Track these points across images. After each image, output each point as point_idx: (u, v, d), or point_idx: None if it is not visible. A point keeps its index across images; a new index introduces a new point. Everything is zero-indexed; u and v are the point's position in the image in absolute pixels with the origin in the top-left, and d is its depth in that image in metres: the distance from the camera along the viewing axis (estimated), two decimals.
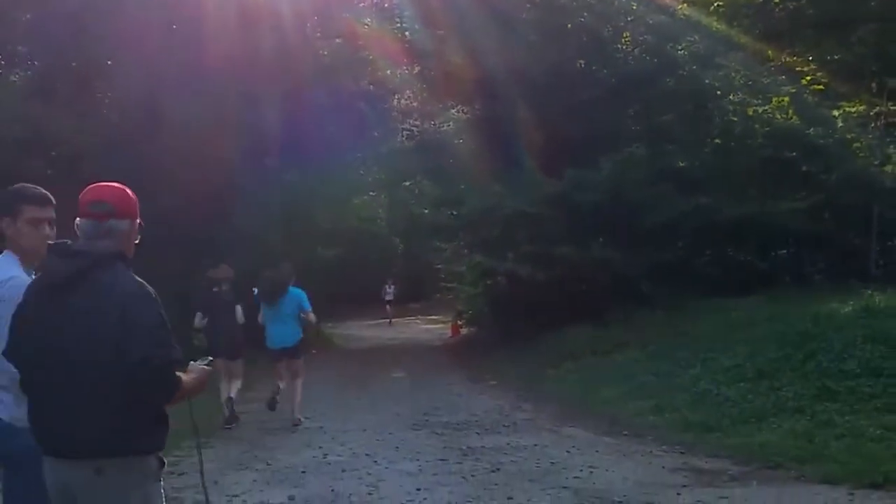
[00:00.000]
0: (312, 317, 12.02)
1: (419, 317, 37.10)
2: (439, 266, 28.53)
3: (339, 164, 25.29)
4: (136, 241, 3.63)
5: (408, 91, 27.22)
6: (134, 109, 18.51)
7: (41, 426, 3.43)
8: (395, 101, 28.14)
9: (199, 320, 11.94)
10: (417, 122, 27.70)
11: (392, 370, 18.00)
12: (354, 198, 30.25)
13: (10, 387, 3.79)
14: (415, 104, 27.37)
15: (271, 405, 11.96)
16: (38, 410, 3.43)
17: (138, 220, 3.61)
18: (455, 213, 22.18)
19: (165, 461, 3.54)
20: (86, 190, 3.55)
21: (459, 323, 25.55)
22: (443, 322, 30.17)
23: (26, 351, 3.44)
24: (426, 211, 32.67)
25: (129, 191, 3.59)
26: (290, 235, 22.37)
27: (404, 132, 28.75)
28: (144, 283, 3.39)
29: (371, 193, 34.03)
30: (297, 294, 11.96)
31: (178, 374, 3.37)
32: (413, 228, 43.95)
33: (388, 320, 34.94)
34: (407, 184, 37.29)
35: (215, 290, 12.12)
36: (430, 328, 30.17)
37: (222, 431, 11.23)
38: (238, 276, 14.38)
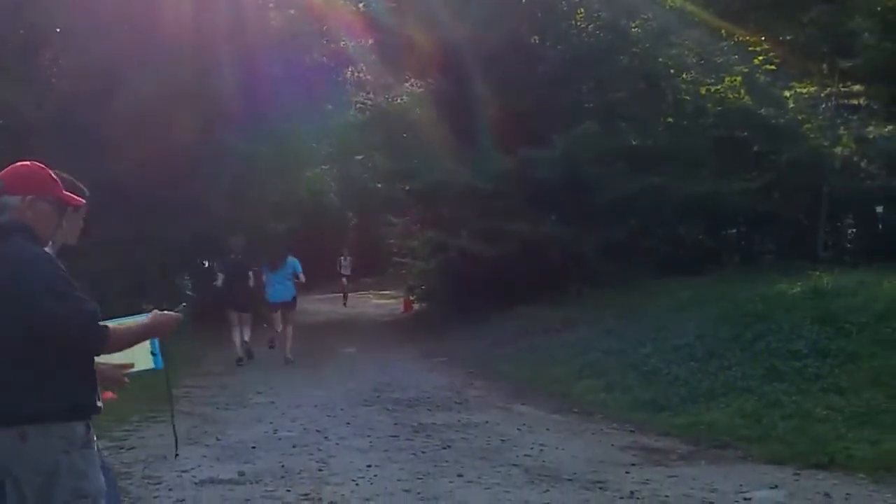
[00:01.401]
0: (303, 278, 16.00)
1: (371, 291, 36.87)
2: (392, 241, 28.36)
3: (292, 135, 25.05)
4: (80, 224, 3.89)
5: (362, 63, 26.97)
6: (84, 78, 18.12)
7: None
8: (349, 73, 27.89)
9: (219, 280, 15.84)
10: (371, 95, 27.48)
11: (343, 345, 17.93)
12: (306, 170, 29.98)
13: None
14: (369, 77, 27.13)
15: (271, 344, 16.26)
16: None
17: (46, 196, 3.67)
18: (408, 187, 22.07)
19: (91, 428, 3.55)
20: None
21: (411, 298, 25.48)
22: (395, 297, 30.09)
23: None
24: (378, 185, 32.57)
25: (34, 167, 3.72)
26: (241, 205, 22.14)
27: (358, 105, 28.54)
28: (45, 251, 3.54)
29: (323, 167, 33.79)
30: (293, 262, 15.99)
31: (102, 323, 3.46)
32: (365, 202, 43.85)
33: (342, 295, 31.03)
34: (359, 157, 37.11)
35: (231, 256, 16.00)
36: (382, 303, 30.06)
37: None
38: (188, 242, 15.59)
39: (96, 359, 3.65)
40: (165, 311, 3.83)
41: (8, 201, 3.61)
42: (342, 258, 33.07)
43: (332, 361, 15.70)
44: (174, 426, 4.40)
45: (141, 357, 4.28)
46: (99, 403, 3.63)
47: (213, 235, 20.82)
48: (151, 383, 11.49)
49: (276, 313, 16.18)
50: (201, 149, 19.30)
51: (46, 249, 3.63)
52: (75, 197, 3.82)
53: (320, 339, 19.43)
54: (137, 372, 4.27)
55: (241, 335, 15.53)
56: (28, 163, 3.76)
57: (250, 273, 15.80)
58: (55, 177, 3.74)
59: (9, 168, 3.71)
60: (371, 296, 34.74)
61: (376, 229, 41.46)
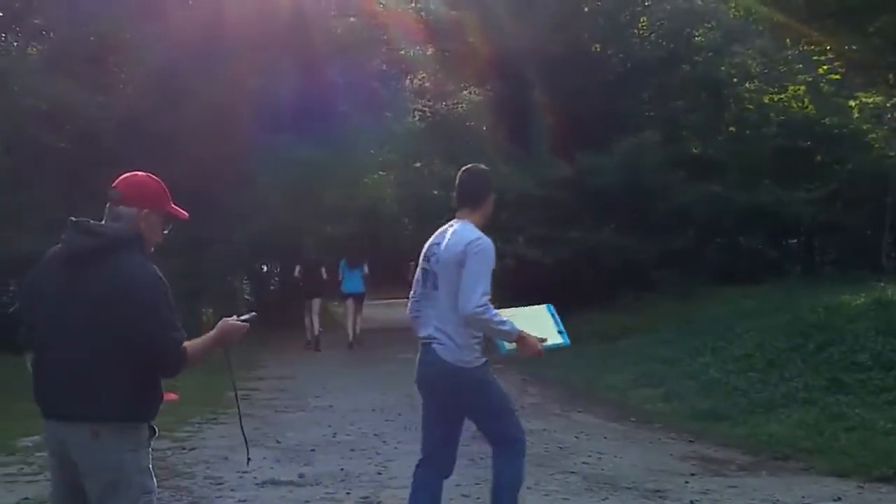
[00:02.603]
0: (366, 269, 19.67)
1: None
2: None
3: (351, 142, 25.27)
4: (165, 231, 3.90)
5: (422, 71, 27.12)
6: (150, 83, 18.50)
7: (43, 388, 3.64)
8: (409, 80, 28.06)
9: (297, 271, 19.62)
10: (431, 103, 27.61)
11: (400, 351, 17.96)
12: (365, 177, 30.18)
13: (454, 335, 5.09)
14: (429, 84, 27.27)
15: (349, 343, 19.01)
16: (41, 373, 3.64)
17: (158, 210, 3.81)
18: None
19: (157, 430, 3.72)
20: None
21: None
22: None
23: (38, 315, 3.65)
24: (435, 192, 32.57)
25: (148, 181, 3.83)
26: (299, 210, 22.41)
27: (417, 112, 28.68)
28: (157, 270, 3.63)
29: (381, 173, 33.96)
30: (364, 266, 19.77)
31: (182, 348, 3.56)
32: (422, 209, 43.94)
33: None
34: (418, 164, 37.21)
35: (308, 255, 19.89)
36: None
37: (232, 410, 11.21)
38: (247, 246, 16.52)
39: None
40: (233, 320, 3.88)
41: (123, 212, 3.71)
42: (412, 264, 30.09)
43: (390, 367, 15.73)
44: (243, 431, 4.45)
45: (551, 333, 5.30)
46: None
47: (272, 239, 21.09)
48: (211, 386, 11.78)
49: (347, 301, 19.52)
50: (262, 154, 19.56)
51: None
52: (180, 210, 3.94)
53: (377, 346, 19.52)
54: (549, 346, 5.23)
55: (314, 322, 18.86)
56: (143, 174, 3.85)
57: (323, 268, 19.28)
58: (166, 190, 3.86)
59: (125, 178, 3.79)
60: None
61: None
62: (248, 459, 6.45)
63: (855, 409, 9.29)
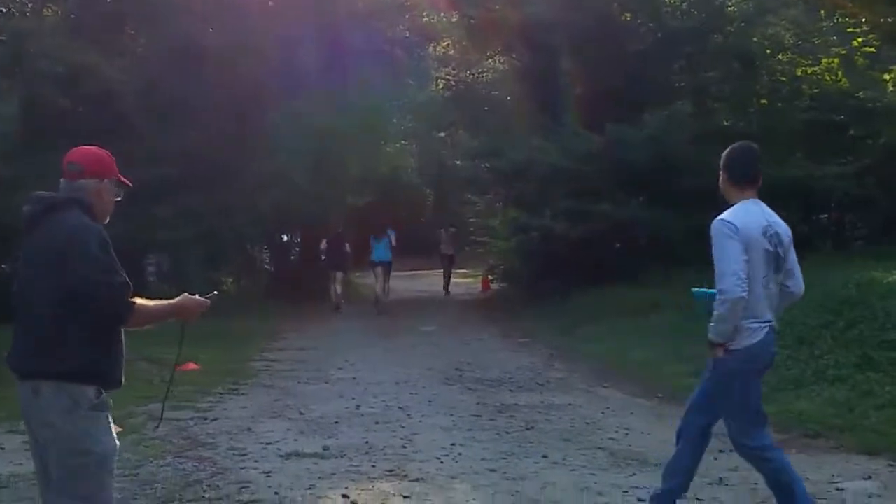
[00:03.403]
0: (394, 241, 20.79)
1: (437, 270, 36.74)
2: (471, 219, 28.21)
3: (373, 110, 25.11)
4: (117, 198, 4.10)
5: (446, 39, 26.86)
6: (167, 49, 18.37)
7: (11, 349, 3.87)
8: (433, 48, 27.81)
9: (322, 244, 21.24)
10: (455, 71, 27.36)
11: (422, 323, 17.93)
12: (386, 145, 30.04)
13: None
14: (453, 52, 27.01)
15: (376, 303, 20.43)
16: (14, 335, 3.88)
17: (114, 178, 4.06)
18: (490, 165, 21.93)
19: (104, 395, 3.80)
20: (69, 151, 4.05)
21: (490, 278, 25.35)
22: (472, 276, 29.97)
23: (17, 285, 3.91)
24: (458, 162, 32.33)
25: (102, 153, 4.08)
26: (320, 178, 22.32)
27: (440, 81, 28.45)
28: (98, 227, 3.86)
29: (403, 142, 33.79)
30: (390, 233, 21.01)
31: (132, 299, 3.76)
32: (444, 179, 43.79)
33: (444, 278, 26.42)
34: (440, 134, 37.01)
35: (335, 229, 21.56)
36: (458, 282, 29.94)
37: (253, 381, 11.21)
38: (268, 214, 16.66)
39: None
40: (196, 296, 4.07)
41: (84, 184, 3.95)
42: (443, 231, 27.86)
43: (412, 339, 15.71)
44: (164, 404, 4.97)
45: None
46: (120, 377, 3.92)
47: (292, 209, 21.02)
48: (232, 357, 11.73)
49: (376, 269, 20.62)
50: (283, 122, 19.46)
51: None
52: (126, 179, 4.14)
53: (398, 318, 19.49)
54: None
55: (336, 290, 20.49)
56: (95, 147, 4.13)
57: (347, 243, 21.01)
58: (114, 160, 4.10)
59: (81, 152, 4.06)
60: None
61: (454, 207, 41.45)
62: (157, 426, 6.56)
63: (885, 386, 9.07)
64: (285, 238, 26.88)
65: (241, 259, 23.17)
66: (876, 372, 9.49)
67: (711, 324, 5.20)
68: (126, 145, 14.44)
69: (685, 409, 5.69)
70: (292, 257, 27.11)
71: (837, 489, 6.41)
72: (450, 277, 26.36)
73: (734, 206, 5.31)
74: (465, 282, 29.14)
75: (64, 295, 3.67)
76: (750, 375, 5.34)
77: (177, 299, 4.04)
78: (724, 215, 5.22)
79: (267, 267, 26.17)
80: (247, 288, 22.69)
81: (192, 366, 10.87)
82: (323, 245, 21.21)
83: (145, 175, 12.24)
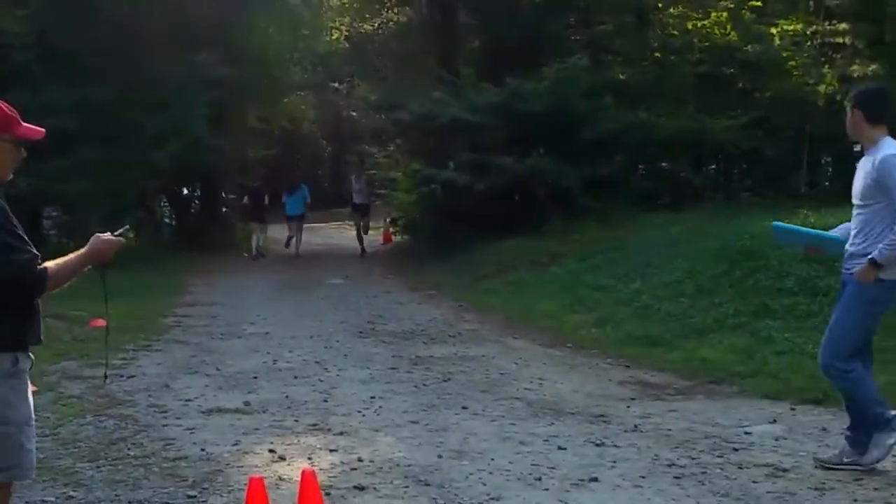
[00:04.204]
0: (308, 199, 23.03)
1: (347, 223, 36.65)
2: (370, 171, 28.17)
3: (270, 61, 24.80)
4: (22, 155, 3.80)
5: None
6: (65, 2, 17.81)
7: None
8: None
9: (245, 199, 23.70)
10: (352, 22, 27.13)
11: (328, 276, 17.92)
12: (284, 98, 29.73)
13: None
14: (350, 3, 26.75)
15: (287, 244, 22.74)
16: None
17: (3, 135, 3.69)
18: (391, 118, 21.91)
19: (21, 361, 3.69)
20: None
21: (392, 230, 25.40)
22: (372, 228, 29.97)
23: None
24: (354, 114, 32.15)
25: None
26: (218, 131, 22.05)
27: (336, 32, 28.19)
28: None
29: (299, 93, 33.46)
30: (304, 188, 23.27)
31: (31, 267, 3.58)
32: (341, 131, 43.50)
33: (357, 231, 23.43)
34: (337, 85, 36.72)
35: (254, 184, 24.06)
36: None
37: (166, 337, 11.10)
38: (168, 168, 16.38)
39: None
40: (107, 235, 3.87)
41: None
42: (354, 179, 24.67)
43: (321, 293, 15.70)
44: (107, 358, 4.62)
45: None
46: (41, 336, 3.81)
47: (191, 161, 20.72)
48: (141, 313, 11.58)
49: (291, 223, 22.47)
50: (180, 73, 19.09)
51: None
52: (33, 129, 3.79)
53: (304, 271, 19.43)
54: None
55: (258, 241, 22.08)
56: None
57: (265, 196, 22.99)
58: (11, 112, 3.72)
59: None
60: (347, 227, 34.57)
61: (351, 159, 41.23)
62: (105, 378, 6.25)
63: (783, 333, 9.58)
64: (185, 191, 26.47)
65: (142, 213, 22.73)
66: (773, 319, 10.01)
67: (884, 246, 5.43)
68: (21, 97, 13.98)
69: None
70: (193, 210, 26.72)
71: (746, 433, 6.73)
72: (366, 231, 23.65)
73: (888, 141, 5.60)
74: (367, 235, 29.10)
75: None
76: (885, 306, 5.71)
77: (89, 244, 3.85)
78: (893, 150, 5.51)
79: (167, 220, 25.75)
80: (149, 242, 22.29)
81: (101, 322, 10.72)
82: (245, 199, 23.52)
83: (41, 127, 11.91)
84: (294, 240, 22.48)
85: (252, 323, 11.99)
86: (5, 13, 16.11)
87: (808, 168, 20.17)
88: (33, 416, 3.83)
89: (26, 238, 3.64)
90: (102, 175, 17.82)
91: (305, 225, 23.31)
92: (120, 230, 4.00)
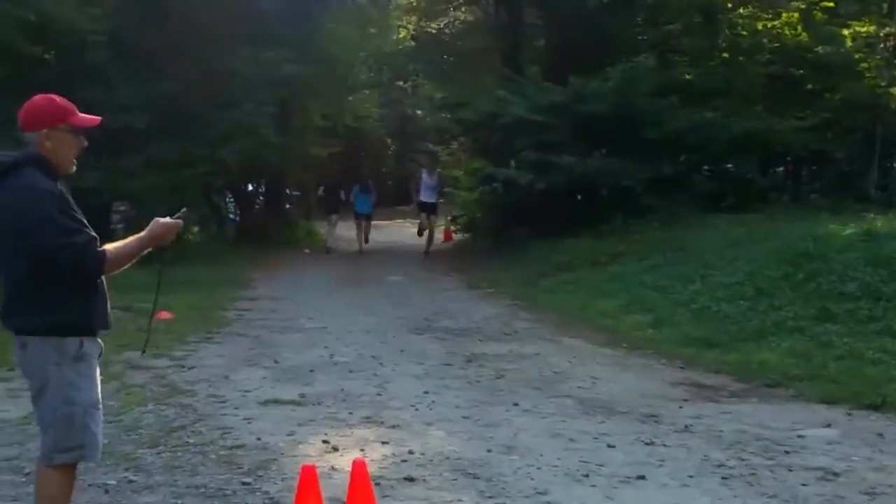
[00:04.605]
0: (374, 199, 23.55)
1: (409, 220, 36.86)
2: (440, 170, 28.30)
3: (336, 59, 25.04)
4: (82, 145, 4.01)
5: None
6: None
7: (2, 306, 3.96)
8: None
9: (320, 191, 24.64)
10: (419, 21, 27.27)
11: (388, 273, 18.07)
12: (350, 96, 29.99)
13: None
14: (417, 2, 26.91)
15: (360, 244, 23.01)
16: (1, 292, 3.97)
17: (60, 126, 3.91)
18: (455, 116, 22.00)
19: (87, 345, 3.92)
20: None
21: (453, 228, 25.51)
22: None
23: None
24: (419, 112, 32.25)
25: (41, 101, 3.94)
26: (284, 128, 22.37)
27: (404, 30, 28.36)
28: (50, 184, 3.84)
29: (365, 92, 33.72)
30: (370, 188, 23.70)
31: (91, 247, 3.80)
32: (406, 130, 43.71)
33: (427, 240, 22.15)
34: (402, 83, 36.89)
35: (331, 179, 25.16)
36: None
37: (227, 329, 11.32)
38: (234, 164, 16.66)
39: None
40: (166, 219, 4.06)
41: (27, 138, 3.89)
42: (425, 175, 23.24)
43: (380, 289, 15.86)
44: (148, 332, 4.96)
45: None
46: (108, 321, 4.05)
47: (257, 158, 21.03)
48: (204, 305, 11.83)
49: (360, 220, 22.96)
50: (248, 71, 19.38)
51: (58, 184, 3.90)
52: (88, 118, 4.02)
53: (364, 267, 19.62)
54: None
55: (332, 232, 22.97)
56: (40, 96, 3.97)
57: (341, 190, 23.61)
58: (64, 104, 3.96)
59: (24, 105, 3.94)
60: (409, 225, 34.76)
61: (415, 156, 41.42)
62: (143, 351, 6.47)
63: (843, 338, 9.46)
64: (250, 187, 26.90)
65: (207, 208, 23.16)
66: (834, 324, 9.88)
67: None
68: (94, 95, 14.41)
69: None
70: (257, 206, 27.13)
71: (799, 436, 6.68)
72: (432, 234, 22.43)
73: None
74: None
75: (31, 263, 3.75)
76: None
77: (149, 227, 4.03)
78: None
79: (232, 216, 26.18)
80: (213, 237, 22.72)
81: (165, 315, 10.98)
82: (320, 191, 24.41)
83: (112, 124, 12.26)
84: (362, 237, 23.09)
85: (310, 318, 12.17)
86: (79, 12, 16.50)
87: (879, 171, 19.80)
88: (100, 400, 4.03)
89: (85, 222, 3.84)
90: (169, 171, 18.17)
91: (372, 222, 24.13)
92: (179, 213, 4.17)
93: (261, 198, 27.61)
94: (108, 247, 3.90)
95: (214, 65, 18.91)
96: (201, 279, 14.62)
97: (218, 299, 13.64)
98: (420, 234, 22.65)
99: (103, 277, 4.00)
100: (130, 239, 4.05)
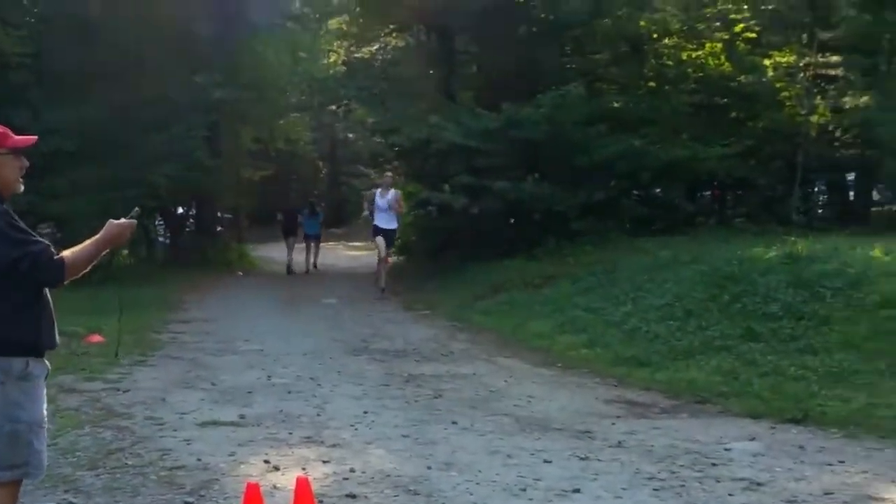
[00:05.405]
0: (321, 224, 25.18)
1: (343, 242, 36.90)
2: (366, 192, 28.38)
3: (268, 83, 25.08)
4: (24, 167, 4.08)
5: (343, 14, 26.89)
6: (63, 20, 18.06)
7: None
8: (329, 24, 27.81)
9: (279, 216, 26.30)
10: (352, 47, 27.39)
11: (323, 296, 18.10)
12: (280, 119, 30.03)
13: None
14: (350, 28, 27.02)
15: (308, 264, 24.19)
16: None
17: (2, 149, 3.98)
18: (390, 141, 22.17)
19: (33, 365, 3.97)
20: None
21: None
22: (367, 249, 30.20)
23: None
24: (351, 136, 32.31)
25: None
26: (215, 152, 22.31)
27: (334, 55, 28.45)
28: None
29: (295, 115, 33.76)
30: (320, 212, 25.63)
31: (56, 257, 3.88)
32: (337, 153, 43.82)
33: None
34: (334, 107, 36.95)
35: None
36: (354, 255, 30.23)
37: (161, 352, 11.26)
38: (168, 189, 16.37)
39: None
40: (120, 220, 4.11)
41: None
42: (378, 194, 17.83)
43: (315, 312, 15.89)
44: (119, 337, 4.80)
45: None
46: (55, 341, 4.10)
47: (188, 181, 20.94)
48: (136, 328, 11.73)
49: (309, 241, 24.48)
50: (180, 95, 19.34)
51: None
52: (23, 139, 4.09)
53: (298, 290, 19.61)
54: None
55: (291, 254, 23.93)
56: None
57: (298, 215, 24.98)
58: (1, 129, 4.03)
59: None
60: (342, 247, 34.83)
61: (347, 180, 41.48)
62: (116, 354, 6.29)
63: (767, 356, 9.81)
64: (180, 210, 26.70)
65: (137, 231, 22.92)
66: (758, 342, 10.24)
67: None
68: (20, 117, 14.28)
69: None
70: (187, 229, 26.92)
71: (725, 449, 6.94)
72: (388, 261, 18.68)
73: None
74: (360, 254, 29.39)
75: None
76: None
77: (102, 230, 4.08)
78: None
79: (161, 239, 25.97)
80: (143, 260, 22.51)
81: (96, 338, 10.89)
82: (279, 216, 26.30)
83: (40, 147, 12.13)
84: (312, 257, 24.58)
85: (246, 340, 12.17)
86: (3, 34, 16.32)
87: (800, 196, 20.44)
88: (45, 419, 4.06)
89: (34, 234, 3.93)
90: (97, 194, 18.01)
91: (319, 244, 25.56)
92: (132, 213, 4.25)
93: (191, 221, 27.40)
94: (66, 253, 3.96)
95: (144, 89, 18.83)
96: (132, 302, 14.45)
97: (150, 322, 13.54)
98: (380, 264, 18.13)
99: (49, 298, 4.05)
100: (87, 243, 4.08)
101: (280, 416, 7.87)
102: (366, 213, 20.74)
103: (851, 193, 23.46)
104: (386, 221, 17.24)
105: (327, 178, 47.79)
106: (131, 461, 6.47)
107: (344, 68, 26.64)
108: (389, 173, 17.85)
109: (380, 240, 17.17)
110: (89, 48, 17.76)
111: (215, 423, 7.58)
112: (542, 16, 20.78)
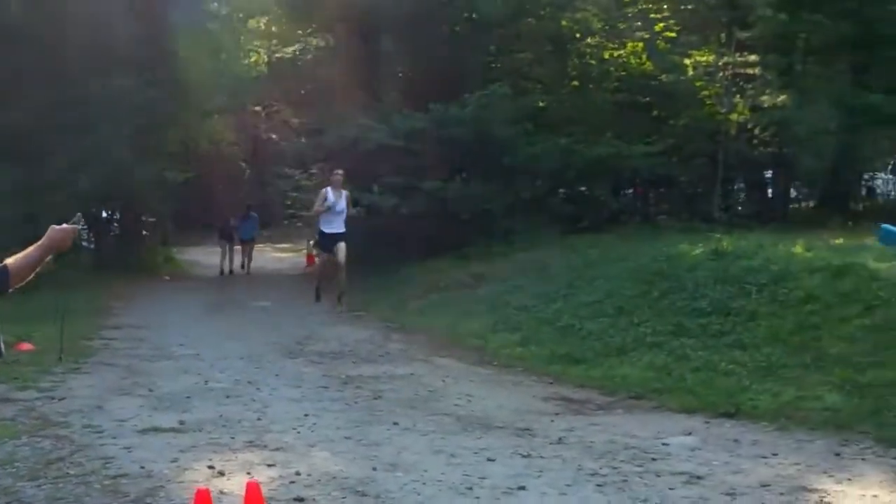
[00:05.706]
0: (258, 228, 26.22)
1: (269, 244, 36.57)
2: (292, 193, 28.22)
3: (190, 84, 24.77)
4: None
5: (266, 15, 26.70)
6: None
7: None
8: (250, 23, 27.59)
9: (232, 221, 25.18)
10: (275, 47, 27.21)
11: (254, 299, 17.99)
12: (204, 119, 29.66)
13: None
14: (273, 28, 26.84)
15: (242, 266, 24.71)
16: None
17: None
18: (315, 142, 22.08)
19: None
20: None
21: (315, 252, 25.48)
22: (294, 251, 30.10)
23: None
24: (274, 136, 31.96)
25: None
26: (141, 154, 21.95)
27: (257, 55, 28.24)
28: None
29: (216, 116, 33.38)
30: (254, 216, 25.74)
31: (1, 265, 3.82)
32: (261, 154, 43.34)
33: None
34: (257, 108, 36.65)
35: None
36: (281, 257, 30.05)
37: (94, 359, 11.10)
38: (93, 191, 15.94)
39: None
40: (62, 226, 4.04)
41: None
42: (329, 192, 15.27)
43: (247, 315, 15.79)
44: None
45: None
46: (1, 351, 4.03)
47: (112, 184, 20.60)
48: (68, 336, 11.52)
49: (244, 245, 25.05)
50: (102, 97, 19.02)
51: None
52: None
53: (228, 293, 19.45)
54: None
55: (226, 258, 24.60)
56: None
57: (231, 220, 25.10)
58: None
59: None
60: (269, 249, 34.54)
61: (271, 181, 41.04)
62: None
63: (698, 351, 10.04)
64: (105, 214, 26.23)
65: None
66: (689, 338, 10.47)
67: None
68: None
69: None
70: (112, 233, 26.47)
71: (663, 444, 7.12)
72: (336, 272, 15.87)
73: None
74: (287, 256, 29.25)
75: None
76: None
77: (45, 236, 4.01)
78: None
79: (86, 244, 25.45)
80: (68, 265, 22.00)
81: (26, 346, 10.69)
82: (233, 221, 25.36)
83: None
84: (246, 260, 24.99)
85: (181, 345, 12.04)
86: None
87: (721, 193, 20.92)
88: None
89: None
90: (17, 199, 17.60)
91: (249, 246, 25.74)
92: (73, 219, 4.19)
93: (115, 224, 26.94)
94: (9, 261, 3.89)
95: (66, 91, 18.48)
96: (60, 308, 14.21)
97: (80, 328, 13.30)
98: (321, 276, 16.30)
99: None
100: (30, 249, 4.01)
101: (220, 421, 7.83)
102: (325, 205, 14.74)
103: (770, 191, 24.10)
104: (339, 226, 15.12)
105: (251, 179, 47.26)
106: (73, 470, 6.39)
107: (265, 69, 26.48)
108: (340, 171, 15.21)
109: (341, 245, 14.95)
110: (9, 50, 17.35)
111: (155, 430, 7.51)
112: (466, 15, 20.93)
